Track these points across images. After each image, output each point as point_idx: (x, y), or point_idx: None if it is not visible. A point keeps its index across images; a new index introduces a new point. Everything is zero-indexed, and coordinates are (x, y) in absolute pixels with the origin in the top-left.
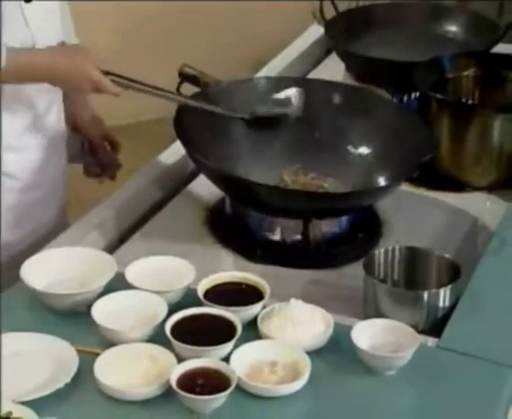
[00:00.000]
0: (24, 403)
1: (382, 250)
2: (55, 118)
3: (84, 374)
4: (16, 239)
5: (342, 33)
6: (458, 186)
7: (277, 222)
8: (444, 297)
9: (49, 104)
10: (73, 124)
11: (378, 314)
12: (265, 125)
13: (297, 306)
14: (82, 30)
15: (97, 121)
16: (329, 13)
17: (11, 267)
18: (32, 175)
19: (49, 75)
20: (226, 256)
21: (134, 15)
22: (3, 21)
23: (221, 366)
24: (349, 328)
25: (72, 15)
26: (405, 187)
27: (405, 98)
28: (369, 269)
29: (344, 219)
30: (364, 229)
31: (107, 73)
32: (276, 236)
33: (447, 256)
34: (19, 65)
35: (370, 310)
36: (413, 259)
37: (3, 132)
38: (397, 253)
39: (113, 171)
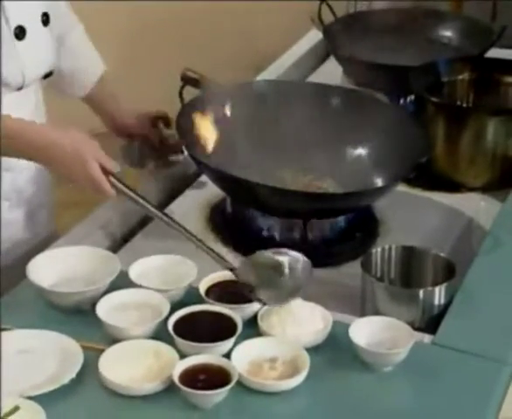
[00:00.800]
0: (30, 398)
1: (379, 249)
2: None
3: (89, 370)
4: (6, 249)
5: (340, 38)
6: (453, 187)
7: (277, 221)
8: (439, 295)
9: None
10: (119, 131)
11: (375, 312)
12: None
13: (296, 304)
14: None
15: (137, 115)
16: (328, 18)
17: (7, 270)
18: (21, 193)
19: (41, 154)
20: (227, 255)
21: (137, 19)
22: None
23: (222, 362)
24: (347, 325)
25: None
26: (402, 187)
27: (402, 101)
28: (366, 267)
29: (342, 219)
30: (362, 228)
31: (107, 173)
32: (276, 236)
33: (443, 255)
34: (6, 132)
35: (368, 307)
36: (409, 258)
37: None
38: (393, 252)
39: (178, 145)
